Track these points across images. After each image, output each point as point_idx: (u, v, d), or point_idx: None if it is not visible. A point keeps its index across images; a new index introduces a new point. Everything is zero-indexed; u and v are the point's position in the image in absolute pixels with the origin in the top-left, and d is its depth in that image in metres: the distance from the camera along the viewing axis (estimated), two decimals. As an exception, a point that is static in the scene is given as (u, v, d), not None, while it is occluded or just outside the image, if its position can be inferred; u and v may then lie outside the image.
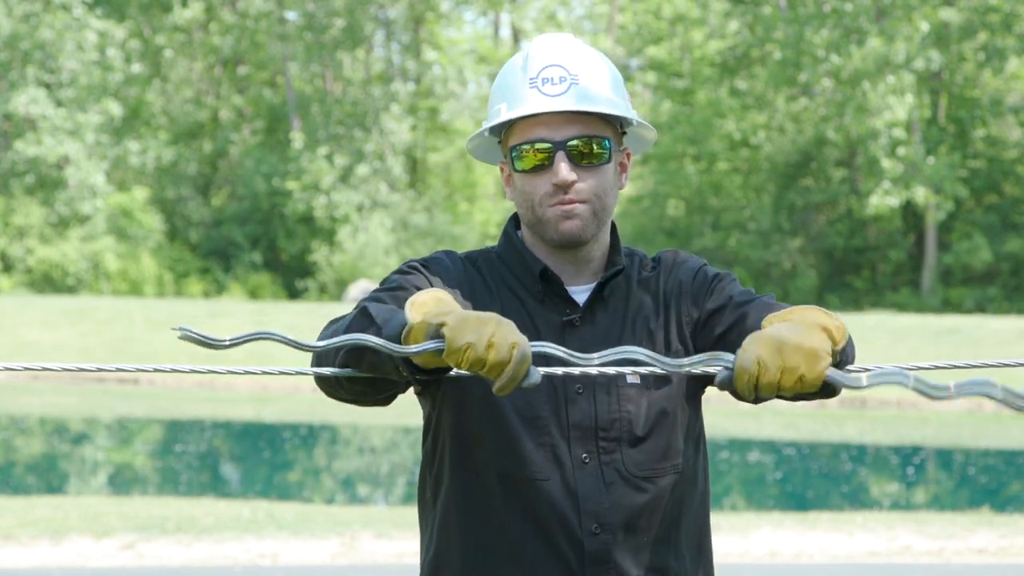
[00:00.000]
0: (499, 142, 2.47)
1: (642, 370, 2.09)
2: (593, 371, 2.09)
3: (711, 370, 2.08)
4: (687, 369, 2.07)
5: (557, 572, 2.31)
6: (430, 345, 1.99)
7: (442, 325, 1.99)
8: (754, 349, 2.04)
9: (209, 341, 1.92)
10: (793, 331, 2.07)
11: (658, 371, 2.07)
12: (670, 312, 2.42)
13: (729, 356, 2.06)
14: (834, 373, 2.06)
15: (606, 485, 2.32)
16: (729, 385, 2.05)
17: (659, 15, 44.02)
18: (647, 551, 2.34)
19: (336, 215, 40.30)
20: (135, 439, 17.17)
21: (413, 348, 2.00)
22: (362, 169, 40.75)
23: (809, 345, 2.05)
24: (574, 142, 2.35)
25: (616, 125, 2.42)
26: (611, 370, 2.11)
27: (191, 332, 1.90)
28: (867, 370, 2.13)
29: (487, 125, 2.43)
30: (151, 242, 40.15)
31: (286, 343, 1.97)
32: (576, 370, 2.09)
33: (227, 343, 1.94)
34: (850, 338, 2.21)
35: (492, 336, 1.98)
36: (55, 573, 7.66)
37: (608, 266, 2.44)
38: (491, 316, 2.01)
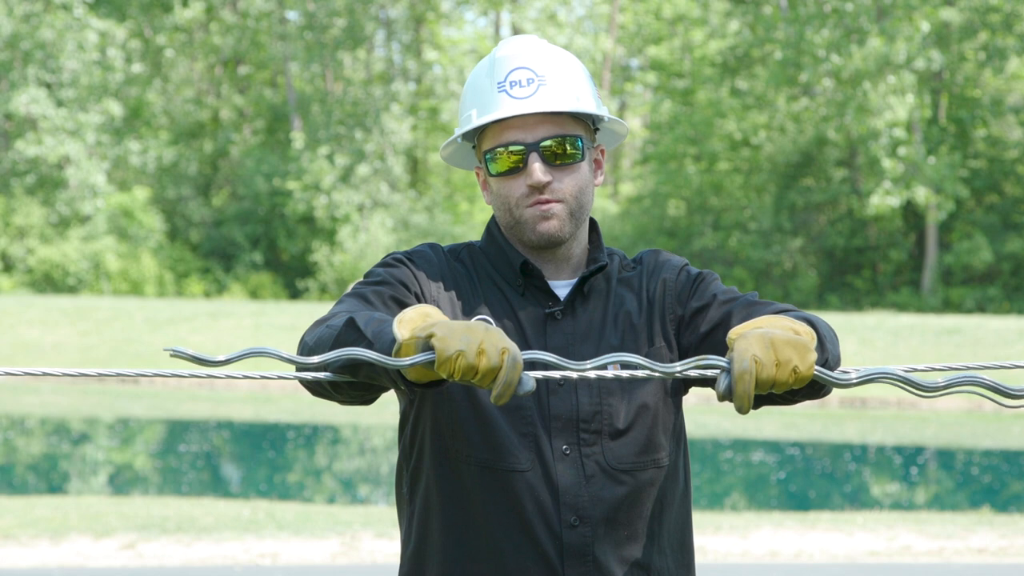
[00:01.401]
0: (473, 147, 2.49)
1: (640, 374, 2.10)
2: (591, 375, 2.09)
3: (708, 373, 2.08)
4: (679, 372, 2.07)
5: (536, 565, 2.31)
6: (421, 357, 2.01)
7: (431, 336, 2.00)
8: (747, 348, 2.04)
9: (202, 360, 1.95)
10: (776, 328, 2.09)
11: (654, 375, 2.08)
12: (653, 310, 2.43)
13: (718, 359, 2.06)
14: (823, 371, 2.09)
15: (586, 477, 2.32)
16: (730, 391, 2.04)
17: (660, 15, 44.01)
18: (629, 546, 2.35)
19: (337, 215, 40.29)
20: (135, 439, 17.17)
21: (406, 360, 2.01)
22: (363, 169, 40.75)
23: (797, 339, 2.07)
24: (547, 142, 2.37)
25: (588, 122, 2.44)
26: (609, 373, 2.11)
27: (182, 352, 1.94)
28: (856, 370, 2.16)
29: (459, 132, 2.44)
30: (152, 242, 40.14)
31: (281, 359, 2.00)
32: (573, 374, 2.08)
33: (221, 361, 1.97)
34: (827, 341, 2.22)
35: (481, 343, 1.99)
36: (55, 573, 7.66)
37: (589, 263, 2.45)
38: (479, 324, 2.02)
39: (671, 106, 42.36)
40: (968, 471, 15.34)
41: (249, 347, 2.01)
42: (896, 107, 36.99)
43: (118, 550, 8.32)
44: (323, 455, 16.42)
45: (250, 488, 13.36)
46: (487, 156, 2.40)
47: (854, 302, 38.09)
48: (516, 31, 45.45)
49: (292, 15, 43.33)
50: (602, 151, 2.49)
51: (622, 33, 44.73)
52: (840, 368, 2.20)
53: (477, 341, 1.99)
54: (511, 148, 2.37)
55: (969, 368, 2.23)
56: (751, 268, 39.19)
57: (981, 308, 36.39)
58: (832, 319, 25.25)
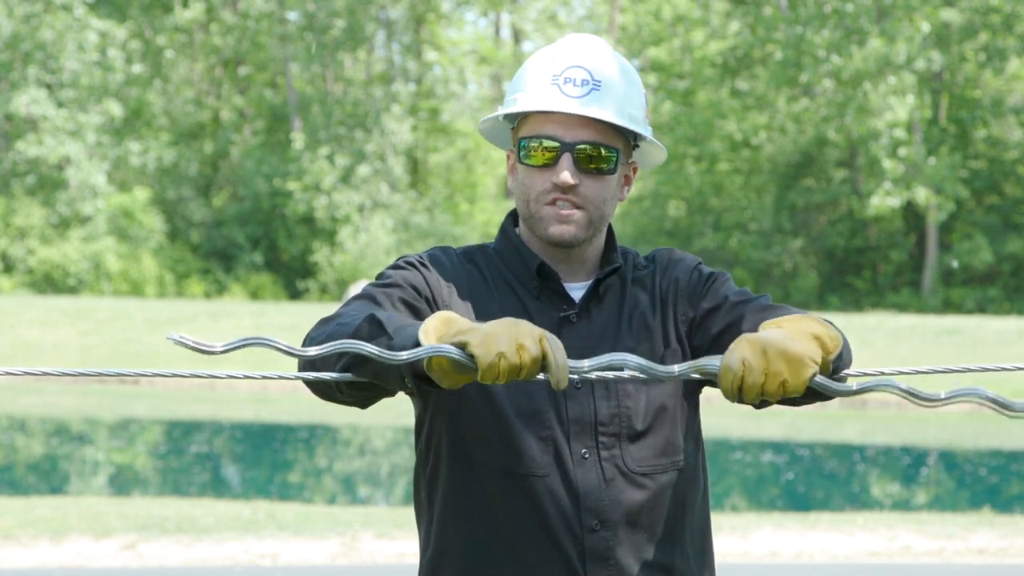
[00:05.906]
0: (512, 128, 2.47)
1: (626, 374, 2.08)
2: (592, 375, 2.06)
3: (698, 376, 2.07)
4: (678, 374, 2.06)
5: (559, 569, 2.30)
6: (453, 351, 1.96)
7: (464, 344, 1.98)
8: (740, 350, 2.04)
9: (201, 348, 1.93)
10: (782, 336, 2.07)
11: (651, 375, 2.06)
12: (667, 309, 2.41)
13: (717, 360, 2.06)
14: (822, 379, 2.06)
15: (606, 481, 2.31)
16: (715, 382, 2.06)
17: (660, 16, 44.01)
18: (651, 549, 2.33)
19: (337, 215, 40.30)
20: (136, 439, 17.17)
21: (409, 353, 1.96)
22: (363, 169, 40.75)
23: (795, 351, 2.05)
24: (583, 146, 2.35)
25: (628, 138, 2.42)
26: (610, 374, 2.10)
27: (184, 339, 1.92)
28: (859, 376, 2.17)
29: (502, 111, 2.42)
30: (152, 243, 40.14)
31: (278, 349, 1.97)
32: (574, 376, 2.07)
33: (219, 349, 1.94)
34: (846, 345, 2.20)
35: (517, 338, 1.97)
36: (55, 573, 7.66)
37: (604, 264, 2.43)
38: (505, 320, 2.00)
39: (671, 107, 42.36)
40: (969, 471, 15.34)
41: (248, 336, 2.00)
42: (896, 108, 36.99)
43: (118, 550, 8.32)
44: (323, 456, 16.42)
45: (250, 488, 13.35)
46: (521, 143, 2.39)
47: (854, 303, 38.08)
48: (516, 32, 45.48)
49: (292, 16, 43.33)
50: (634, 169, 2.47)
51: (622, 34, 44.72)
52: (847, 371, 2.20)
53: (513, 338, 1.97)
54: (546, 143, 2.35)
55: (971, 370, 2.24)
56: (751, 269, 39.19)
57: (981, 309, 36.39)
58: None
